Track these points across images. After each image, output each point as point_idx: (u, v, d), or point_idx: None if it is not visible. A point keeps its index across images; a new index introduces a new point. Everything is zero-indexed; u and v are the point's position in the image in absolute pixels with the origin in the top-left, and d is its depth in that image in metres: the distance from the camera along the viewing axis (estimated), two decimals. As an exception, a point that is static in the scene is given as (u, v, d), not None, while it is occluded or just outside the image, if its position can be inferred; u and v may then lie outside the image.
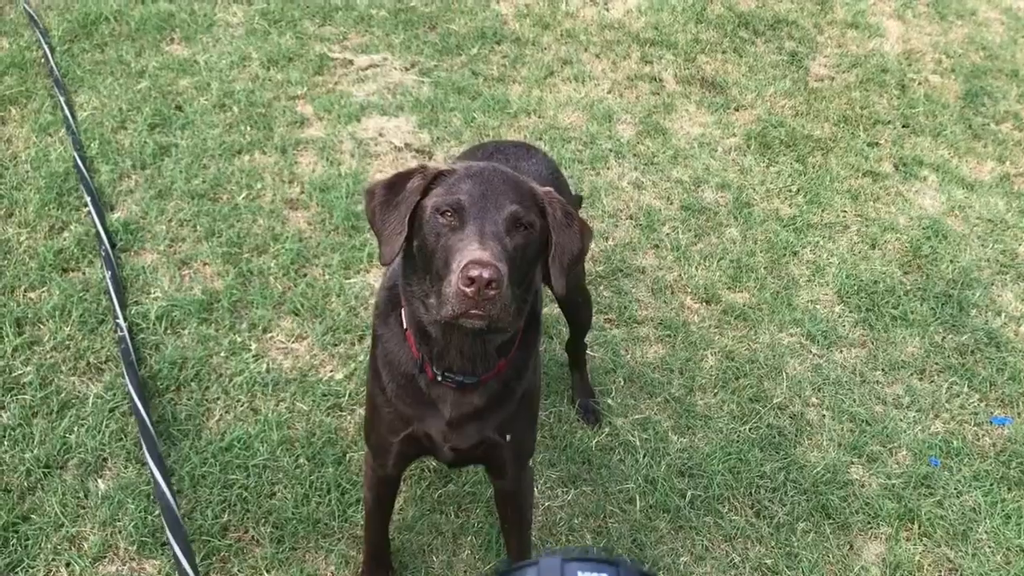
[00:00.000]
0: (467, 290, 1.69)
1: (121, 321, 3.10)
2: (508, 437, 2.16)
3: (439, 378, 2.01)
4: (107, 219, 3.62)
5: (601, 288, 3.73)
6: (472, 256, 1.71)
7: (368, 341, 3.27)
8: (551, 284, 1.99)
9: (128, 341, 3.05)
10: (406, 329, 2.05)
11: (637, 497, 2.93)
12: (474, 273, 1.68)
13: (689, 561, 2.79)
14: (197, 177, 3.93)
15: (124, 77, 4.48)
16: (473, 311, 1.72)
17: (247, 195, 3.87)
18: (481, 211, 1.81)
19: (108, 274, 3.29)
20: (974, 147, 4.89)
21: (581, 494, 2.93)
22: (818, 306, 3.79)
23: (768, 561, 2.81)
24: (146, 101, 4.33)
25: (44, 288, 3.32)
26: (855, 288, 3.89)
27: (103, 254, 3.39)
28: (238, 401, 3.04)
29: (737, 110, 4.96)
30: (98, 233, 3.47)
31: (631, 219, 4.11)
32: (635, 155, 4.51)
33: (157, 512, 2.64)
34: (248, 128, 4.27)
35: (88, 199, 3.62)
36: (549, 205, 1.94)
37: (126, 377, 2.90)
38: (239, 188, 3.90)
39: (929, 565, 2.88)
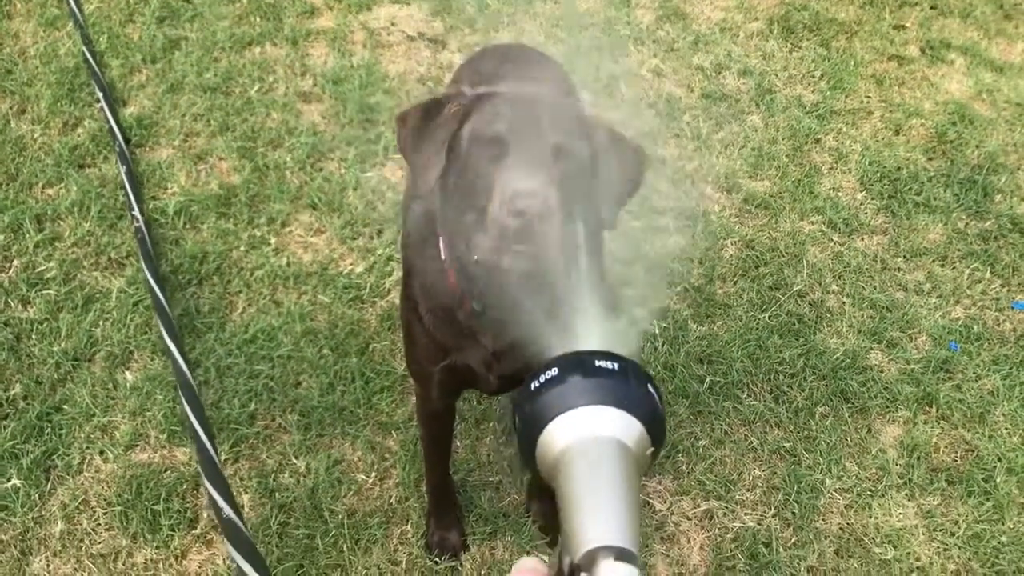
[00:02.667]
0: (514, 223, 1.49)
1: (137, 213, 3.09)
2: None
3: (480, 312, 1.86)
4: (120, 114, 3.59)
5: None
6: (517, 186, 1.51)
7: (386, 235, 3.27)
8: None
9: (145, 232, 3.05)
10: (444, 261, 1.88)
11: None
12: (521, 204, 1.48)
13: (708, 444, 2.83)
14: (208, 71, 3.87)
15: (129, -32, 4.37)
16: (520, 247, 1.51)
17: (259, 88, 3.81)
18: (523, 140, 1.61)
19: (123, 169, 3.27)
20: (1005, 28, 4.74)
21: (601, 381, 2.95)
22: (840, 193, 3.74)
23: (786, 444, 2.85)
24: (153, -7, 4.24)
25: (61, 184, 3.31)
26: (878, 175, 3.83)
27: (118, 149, 3.37)
28: (260, 294, 3.06)
29: (759, -7, 4.81)
30: (111, 129, 3.44)
31: (651, 108, 4.04)
32: (655, 41, 4.39)
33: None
34: (257, 19, 4.19)
35: (100, 95, 3.57)
36: (595, 129, 1.74)
37: (143, 266, 2.92)
38: (251, 81, 3.84)
39: (946, 447, 2.91)
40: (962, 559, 2.63)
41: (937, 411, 3.00)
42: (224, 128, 3.61)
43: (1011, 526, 2.69)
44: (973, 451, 2.90)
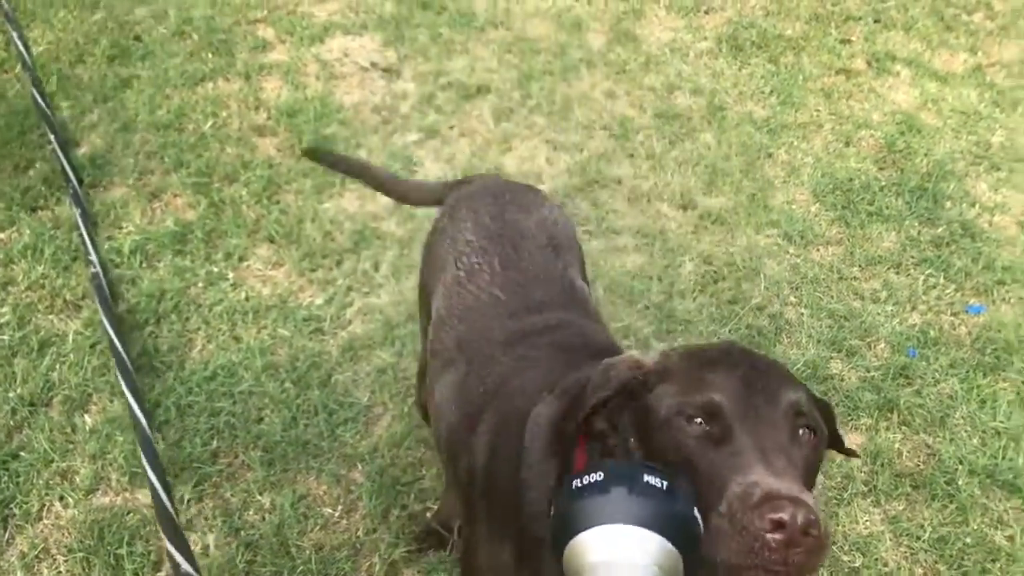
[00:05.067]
0: (773, 537, 1.11)
1: (93, 257, 3.06)
2: None
3: None
4: (72, 155, 3.56)
5: (578, 200, 3.71)
6: (769, 487, 1.15)
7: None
8: None
9: (102, 277, 3.02)
10: None
11: (621, 402, 2.97)
12: (784, 515, 1.11)
13: (675, 461, 2.84)
14: (161, 108, 3.85)
15: (78, 9, 4.36)
16: (776, 567, 1.12)
17: (213, 124, 3.80)
18: (751, 413, 1.27)
19: (78, 211, 3.24)
20: (947, 39, 4.85)
21: (566, 403, 2.96)
22: (794, 206, 3.79)
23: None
24: (103, 33, 4.22)
25: (14, 228, 3.28)
26: (831, 187, 3.88)
27: (71, 191, 3.33)
28: (219, 330, 3.03)
29: (707, 13, 4.88)
30: (64, 170, 3.41)
31: (605, 129, 4.07)
32: (606, 64, 4.45)
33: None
34: (209, 55, 4.18)
35: (51, 136, 3.54)
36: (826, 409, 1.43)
37: (100, 312, 2.88)
38: (204, 117, 3.83)
39: (908, 452, 2.94)
40: (929, 562, 2.65)
41: (898, 417, 3.03)
42: (178, 165, 3.59)
43: (974, 527, 2.72)
44: (935, 455, 2.93)
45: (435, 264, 2.19)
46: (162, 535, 1.86)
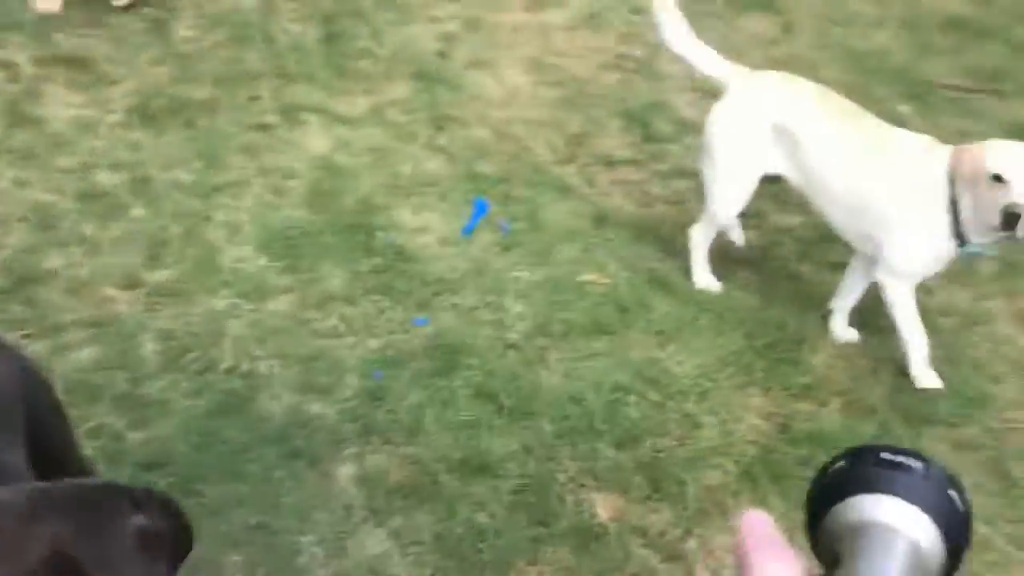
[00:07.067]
0: None
1: None
2: None
3: None
4: None
5: (10, 303, 3.40)
6: None
7: None
8: None
9: None
10: None
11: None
12: None
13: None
14: None
15: None
16: None
17: None
18: (97, 546, 1.29)
19: None
20: (344, 85, 5.29)
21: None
22: (243, 264, 3.87)
23: (253, 520, 2.89)
24: None
25: None
26: (272, 238, 4.04)
27: None
28: None
29: (111, 85, 4.75)
30: None
31: (23, 221, 3.78)
32: (10, 151, 4.12)
33: None
34: None
35: None
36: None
37: None
38: None
39: (395, 467, 3.18)
40: (434, 562, 2.90)
41: (380, 438, 3.27)
42: None
43: (463, 516, 3.04)
44: (418, 462, 3.22)
45: None
46: None
